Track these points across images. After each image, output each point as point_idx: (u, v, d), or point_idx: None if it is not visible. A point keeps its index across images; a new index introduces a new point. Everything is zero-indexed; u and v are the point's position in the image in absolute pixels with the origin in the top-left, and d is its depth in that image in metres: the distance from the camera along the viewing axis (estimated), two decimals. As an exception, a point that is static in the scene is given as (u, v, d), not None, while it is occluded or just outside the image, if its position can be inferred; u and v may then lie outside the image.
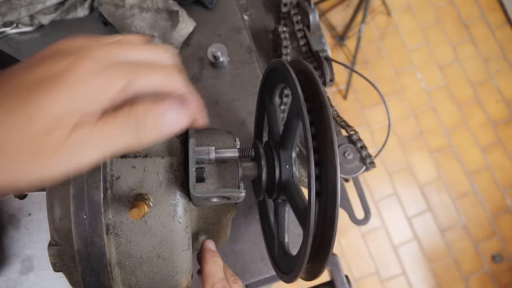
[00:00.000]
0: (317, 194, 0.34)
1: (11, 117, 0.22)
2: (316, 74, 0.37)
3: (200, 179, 0.36)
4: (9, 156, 0.22)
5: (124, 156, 0.35)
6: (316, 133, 0.35)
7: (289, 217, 0.47)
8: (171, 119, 0.26)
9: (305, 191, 0.40)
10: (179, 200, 0.35)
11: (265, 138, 0.55)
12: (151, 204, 0.34)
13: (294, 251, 0.45)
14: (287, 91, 0.70)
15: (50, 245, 0.34)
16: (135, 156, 0.35)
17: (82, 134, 0.23)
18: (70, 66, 0.24)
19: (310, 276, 0.38)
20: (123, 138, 0.25)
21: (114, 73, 0.25)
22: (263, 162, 0.43)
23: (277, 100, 0.49)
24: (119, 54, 0.27)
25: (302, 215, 0.41)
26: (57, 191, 0.33)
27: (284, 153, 0.42)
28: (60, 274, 0.35)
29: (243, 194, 0.35)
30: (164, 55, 0.29)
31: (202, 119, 0.29)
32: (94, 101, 0.24)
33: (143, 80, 0.26)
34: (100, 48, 0.26)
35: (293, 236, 0.62)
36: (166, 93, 0.27)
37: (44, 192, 0.35)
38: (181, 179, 0.35)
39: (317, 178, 0.34)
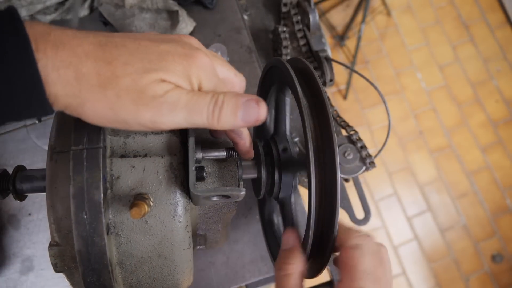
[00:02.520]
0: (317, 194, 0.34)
1: (131, 66, 0.28)
2: (315, 73, 0.37)
3: (200, 178, 0.36)
4: (119, 93, 0.28)
5: (123, 156, 0.35)
6: (316, 133, 0.35)
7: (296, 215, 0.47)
8: (246, 112, 0.31)
9: (305, 191, 0.40)
10: (179, 199, 0.35)
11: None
12: (151, 203, 0.34)
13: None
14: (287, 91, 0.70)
15: (50, 245, 0.34)
16: (135, 155, 0.35)
17: (171, 99, 0.29)
18: (193, 52, 0.31)
19: (310, 274, 0.38)
20: (201, 115, 0.30)
21: (215, 72, 0.33)
22: (263, 162, 0.43)
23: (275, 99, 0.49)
24: (218, 60, 0.35)
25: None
26: (57, 191, 0.33)
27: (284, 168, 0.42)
28: (60, 274, 0.35)
29: (243, 193, 0.35)
30: (241, 76, 0.38)
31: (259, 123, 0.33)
32: (193, 81, 0.31)
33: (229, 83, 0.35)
34: (208, 51, 0.34)
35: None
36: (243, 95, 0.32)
37: (44, 193, 0.34)
38: (181, 178, 0.35)
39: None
